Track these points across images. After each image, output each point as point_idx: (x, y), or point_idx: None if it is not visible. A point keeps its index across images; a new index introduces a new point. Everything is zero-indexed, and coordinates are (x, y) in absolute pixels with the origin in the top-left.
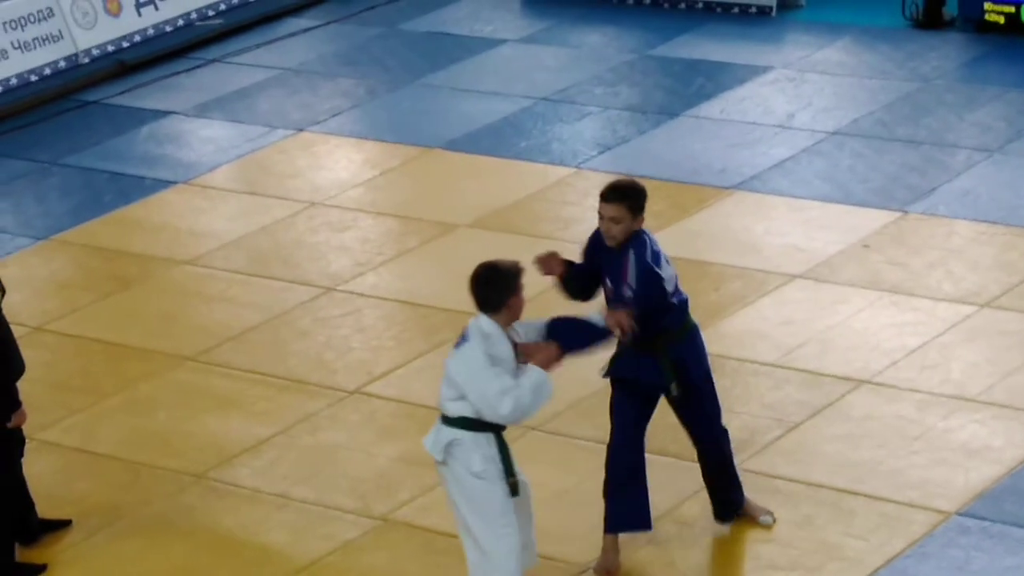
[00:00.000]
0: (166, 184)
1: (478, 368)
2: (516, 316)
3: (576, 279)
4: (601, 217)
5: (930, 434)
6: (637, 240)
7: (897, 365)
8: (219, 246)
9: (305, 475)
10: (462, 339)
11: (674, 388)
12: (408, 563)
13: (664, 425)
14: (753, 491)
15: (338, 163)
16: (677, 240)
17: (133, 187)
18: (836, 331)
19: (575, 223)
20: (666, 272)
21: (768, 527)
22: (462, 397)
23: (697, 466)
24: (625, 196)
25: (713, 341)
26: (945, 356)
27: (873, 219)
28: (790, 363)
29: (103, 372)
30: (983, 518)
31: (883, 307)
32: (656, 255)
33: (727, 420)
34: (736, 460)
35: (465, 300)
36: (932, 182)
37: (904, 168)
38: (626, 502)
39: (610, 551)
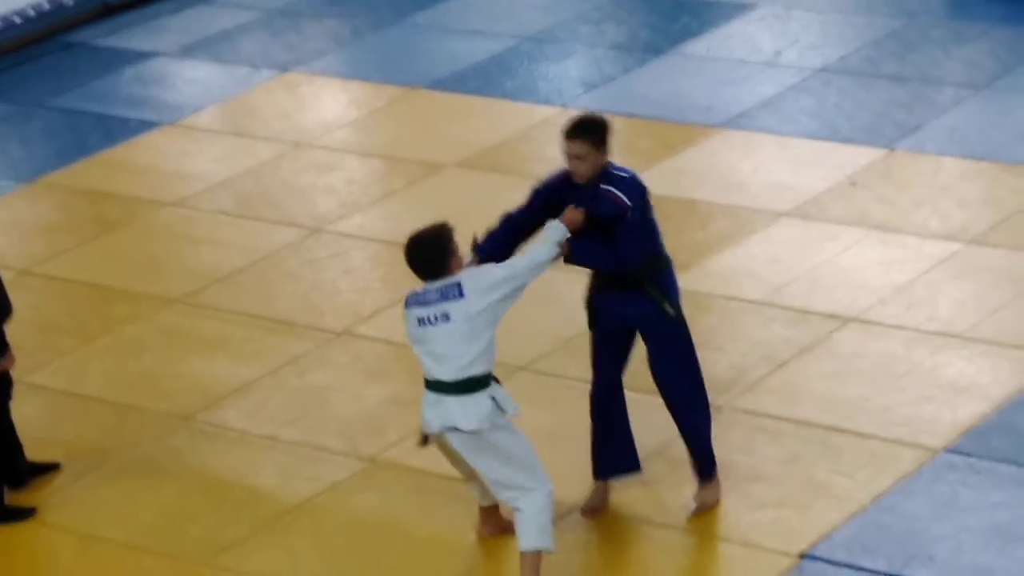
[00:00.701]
0: (151, 125)
1: (487, 280)
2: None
3: (496, 246)
4: (567, 156)
5: (917, 371)
6: (610, 170)
7: (884, 302)
8: (205, 188)
9: (293, 417)
10: (440, 302)
11: (668, 308)
12: (397, 503)
13: None
14: (741, 430)
15: (323, 104)
16: (663, 178)
17: (118, 129)
18: (823, 269)
19: (561, 162)
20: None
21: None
22: (480, 346)
23: None
24: (588, 131)
25: (700, 279)
26: (932, 293)
27: (860, 156)
28: (777, 301)
29: (90, 314)
30: (970, 454)
31: (870, 244)
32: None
33: (714, 359)
34: (713, 438)
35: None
36: (919, 119)
37: (891, 105)
38: (612, 448)
39: (599, 492)
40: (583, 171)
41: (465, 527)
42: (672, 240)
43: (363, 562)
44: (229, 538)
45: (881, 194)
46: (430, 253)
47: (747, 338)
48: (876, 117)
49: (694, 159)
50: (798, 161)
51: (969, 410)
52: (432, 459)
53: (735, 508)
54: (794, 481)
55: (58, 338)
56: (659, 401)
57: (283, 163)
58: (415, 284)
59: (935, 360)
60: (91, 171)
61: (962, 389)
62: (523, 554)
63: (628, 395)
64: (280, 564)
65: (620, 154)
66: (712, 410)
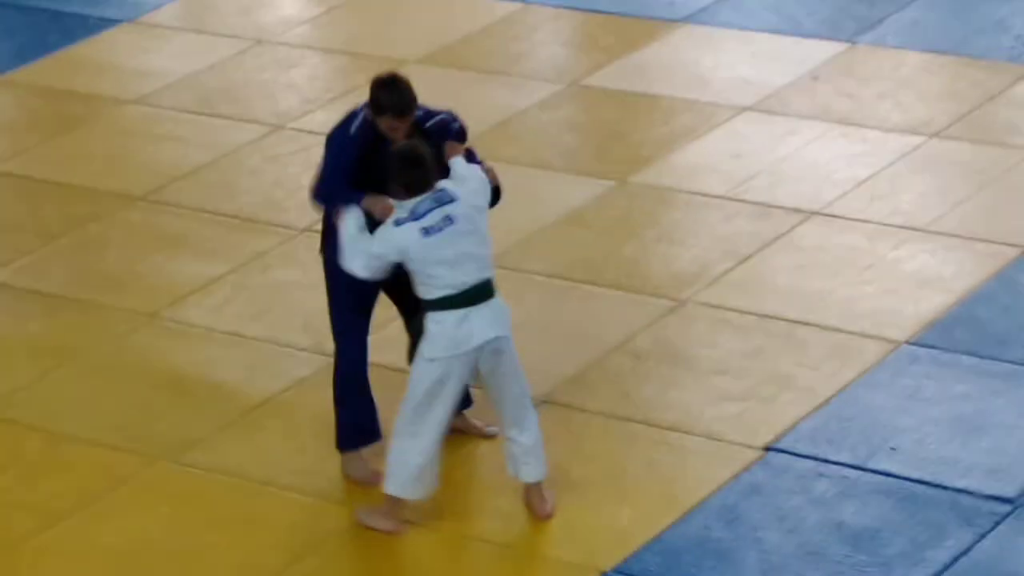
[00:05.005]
0: (111, 23)
1: (471, 184)
2: None
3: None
4: (389, 128)
5: (881, 264)
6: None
7: (847, 196)
8: (166, 85)
9: (257, 313)
10: (437, 208)
11: None
12: None
13: (618, 259)
14: (704, 323)
15: (284, 0)
16: (626, 74)
17: (77, 26)
18: (786, 163)
19: (524, 58)
20: None
21: (492, 437)
22: (487, 249)
23: (649, 300)
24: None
25: (663, 174)
26: (895, 186)
27: (822, 50)
28: (741, 195)
29: (52, 213)
30: (933, 346)
31: (833, 138)
32: None
33: (677, 254)
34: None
35: None
36: (880, 12)
37: None
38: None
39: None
40: (402, 136)
41: None
42: (636, 135)
43: (328, 454)
44: (196, 434)
45: (843, 88)
46: (424, 167)
47: (710, 232)
48: (837, 11)
49: (656, 54)
50: (760, 55)
51: (932, 302)
52: (393, 354)
53: (699, 402)
54: (758, 374)
55: (20, 237)
56: (619, 295)
57: (244, 60)
58: None
59: (898, 253)
60: (51, 69)
61: (925, 282)
62: (538, 483)
63: (588, 289)
64: (246, 459)
65: (584, 50)
66: (676, 304)
